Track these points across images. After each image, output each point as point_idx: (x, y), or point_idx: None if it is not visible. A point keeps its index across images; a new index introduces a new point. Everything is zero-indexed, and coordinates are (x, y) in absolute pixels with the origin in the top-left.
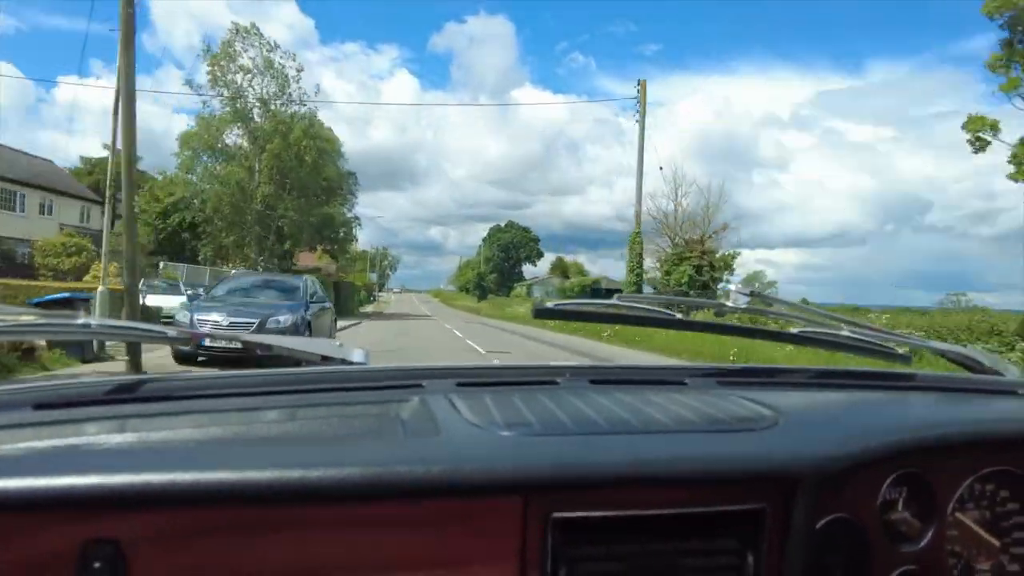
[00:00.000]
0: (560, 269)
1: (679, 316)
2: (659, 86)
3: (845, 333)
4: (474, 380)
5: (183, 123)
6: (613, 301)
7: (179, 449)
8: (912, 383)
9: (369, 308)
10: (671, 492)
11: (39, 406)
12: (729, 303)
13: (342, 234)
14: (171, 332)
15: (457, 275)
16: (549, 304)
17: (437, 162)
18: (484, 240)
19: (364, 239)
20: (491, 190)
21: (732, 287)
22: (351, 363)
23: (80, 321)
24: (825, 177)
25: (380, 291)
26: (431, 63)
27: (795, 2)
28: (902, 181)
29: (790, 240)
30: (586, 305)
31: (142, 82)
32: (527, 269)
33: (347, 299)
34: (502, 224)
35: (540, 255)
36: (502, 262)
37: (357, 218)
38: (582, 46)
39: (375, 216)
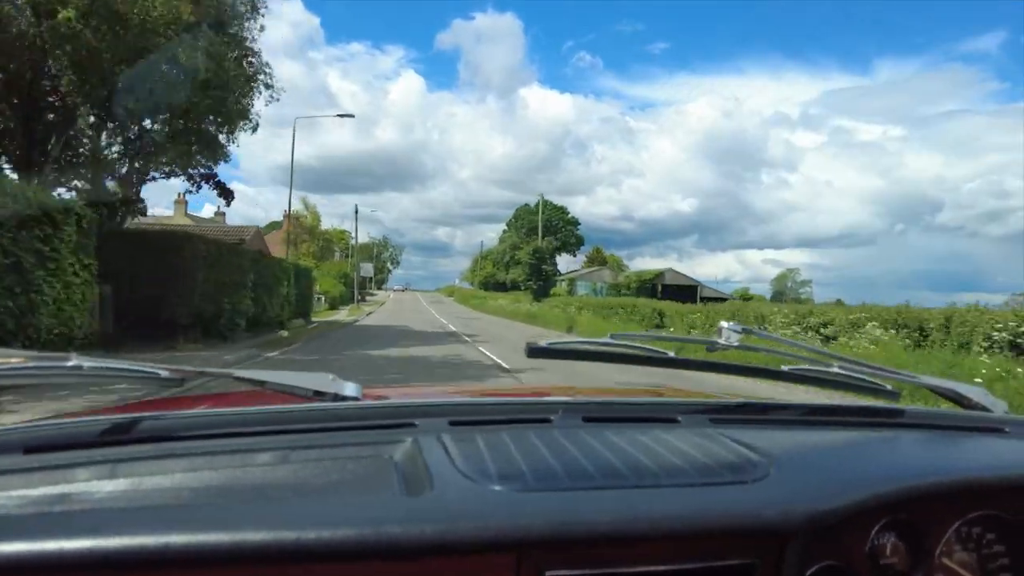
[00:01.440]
0: (598, 262)
1: (672, 354)
2: (666, 87)
3: (835, 370)
4: (467, 419)
5: None
6: (607, 340)
7: (173, 504)
8: (901, 420)
9: (338, 314)
10: (663, 548)
11: (29, 449)
12: (721, 340)
13: (223, 118)
14: (163, 373)
15: (473, 269)
16: (543, 344)
17: (443, 162)
18: (509, 224)
19: (362, 234)
20: (496, 190)
21: (724, 324)
22: (344, 397)
23: (71, 363)
24: (834, 177)
25: (377, 288)
26: (438, 62)
27: (802, 2)
28: (911, 180)
29: (799, 240)
30: (580, 344)
31: None
32: (562, 261)
33: (304, 297)
34: (531, 203)
35: (580, 243)
36: (532, 251)
37: (265, 72)
38: (589, 45)
39: (372, 211)
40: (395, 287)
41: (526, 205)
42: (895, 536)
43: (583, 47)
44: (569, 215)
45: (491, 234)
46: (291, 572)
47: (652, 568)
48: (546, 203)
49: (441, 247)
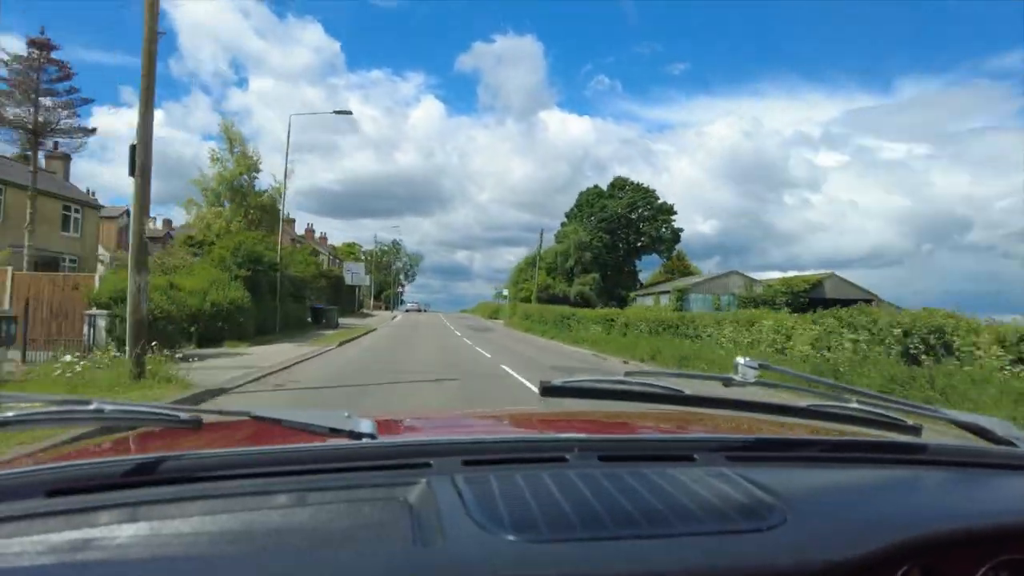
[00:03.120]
0: (680, 272)
1: (687, 392)
2: (684, 109)
3: (854, 405)
4: (481, 458)
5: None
6: (621, 378)
7: (190, 554)
8: (923, 456)
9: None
10: None
11: (52, 493)
12: (737, 377)
13: None
14: (183, 415)
15: (516, 280)
16: (557, 382)
17: (463, 186)
18: (570, 216)
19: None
20: (515, 212)
21: (740, 360)
22: (359, 435)
23: (92, 407)
24: (859, 196)
25: (384, 306)
26: (458, 87)
27: (819, 24)
28: (939, 199)
29: (823, 262)
30: (595, 383)
31: (168, 107)
32: (646, 264)
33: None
34: (605, 186)
35: (675, 239)
36: (606, 250)
37: None
38: (608, 68)
39: (394, 226)
40: (408, 305)
41: (595, 187)
42: None
43: (602, 70)
44: (660, 200)
45: (510, 257)
46: None
47: None
48: (623, 183)
49: (461, 270)
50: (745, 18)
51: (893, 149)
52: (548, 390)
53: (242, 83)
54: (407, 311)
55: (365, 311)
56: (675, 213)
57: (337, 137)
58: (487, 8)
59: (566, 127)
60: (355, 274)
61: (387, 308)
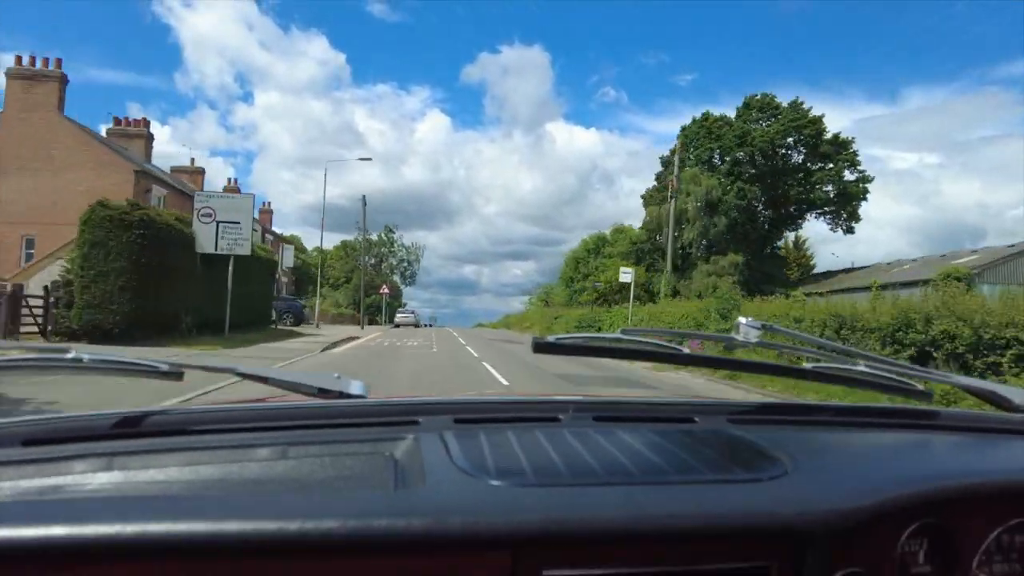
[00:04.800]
0: (800, 262)
1: (686, 351)
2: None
3: (861, 368)
4: (473, 416)
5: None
6: (617, 335)
7: (159, 495)
8: (935, 422)
9: None
10: (670, 548)
11: (28, 442)
12: (739, 337)
13: None
14: (163, 367)
15: (571, 272)
16: (550, 338)
17: (470, 199)
18: (668, 163)
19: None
20: (523, 226)
21: (742, 320)
22: (349, 395)
23: (71, 355)
24: (868, 206)
25: (369, 319)
26: (463, 100)
27: (824, 37)
28: (951, 208)
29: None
30: (589, 340)
31: (174, 123)
32: (817, 231)
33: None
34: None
35: (861, 193)
36: (746, 216)
37: None
38: (614, 79)
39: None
40: (399, 316)
41: (709, 115)
42: (928, 543)
43: (608, 82)
44: (827, 131)
45: (517, 271)
46: (271, 566)
47: (658, 569)
48: (766, 102)
49: (468, 284)
50: (750, 29)
51: (903, 159)
52: (540, 346)
53: (247, 97)
54: (396, 325)
55: (298, 330)
56: (855, 153)
57: (343, 151)
58: (493, 19)
59: (573, 139)
60: (236, 242)
61: (373, 322)
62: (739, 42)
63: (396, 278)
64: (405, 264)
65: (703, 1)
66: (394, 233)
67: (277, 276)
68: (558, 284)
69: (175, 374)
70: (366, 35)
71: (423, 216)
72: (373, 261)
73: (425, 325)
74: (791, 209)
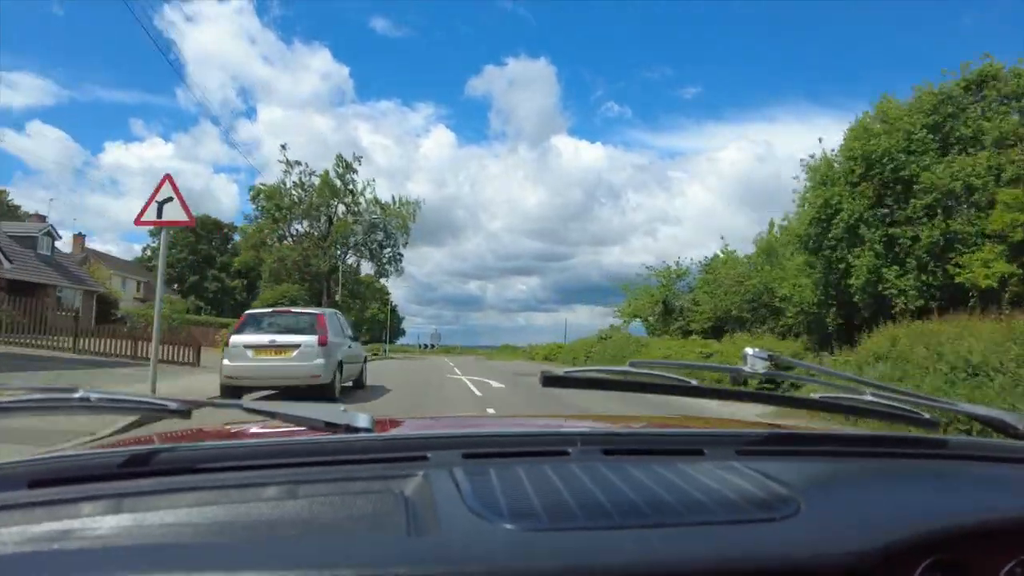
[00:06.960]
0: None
1: (695, 383)
2: (695, 136)
3: (867, 397)
4: (481, 451)
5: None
6: (626, 368)
7: (173, 542)
8: (943, 451)
9: None
10: None
11: (34, 484)
12: (747, 368)
13: None
14: (172, 405)
15: (722, 270)
16: (559, 372)
17: (475, 214)
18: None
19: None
20: (528, 241)
21: (749, 351)
22: (356, 429)
23: (79, 395)
24: None
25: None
26: (468, 115)
27: (828, 51)
28: None
29: None
30: (598, 373)
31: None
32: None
33: None
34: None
35: None
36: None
37: None
38: (618, 94)
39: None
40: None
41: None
42: None
43: (611, 96)
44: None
45: (522, 287)
46: None
47: None
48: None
49: (474, 300)
50: (750, 46)
51: None
52: (549, 380)
53: (250, 113)
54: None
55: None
56: None
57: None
58: (497, 33)
59: (578, 153)
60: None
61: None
62: (740, 56)
63: (363, 263)
64: (382, 235)
65: (710, 14)
66: (355, 172)
67: None
68: (655, 288)
69: (183, 412)
70: (369, 52)
71: (428, 233)
72: (305, 225)
73: (425, 346)
74: None
